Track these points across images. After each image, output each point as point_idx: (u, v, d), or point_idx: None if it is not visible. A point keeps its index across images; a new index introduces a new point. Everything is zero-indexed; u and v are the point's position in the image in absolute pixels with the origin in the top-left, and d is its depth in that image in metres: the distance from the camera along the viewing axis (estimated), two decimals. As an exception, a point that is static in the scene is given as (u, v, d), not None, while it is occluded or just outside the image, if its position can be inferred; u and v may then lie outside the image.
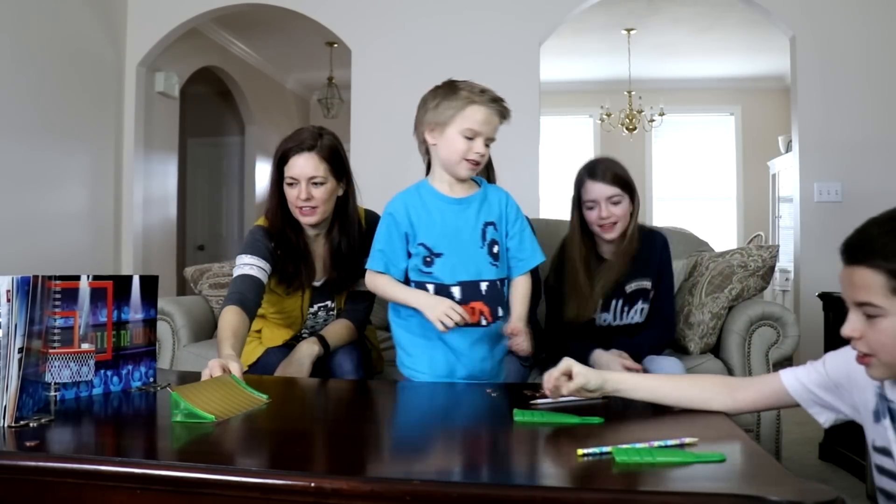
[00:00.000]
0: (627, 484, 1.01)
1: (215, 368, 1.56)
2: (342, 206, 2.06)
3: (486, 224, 1.81)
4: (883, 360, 1.07)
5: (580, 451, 1.09)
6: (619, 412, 1.43)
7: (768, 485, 0.96)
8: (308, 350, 1.97)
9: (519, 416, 1.34)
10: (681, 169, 7.58)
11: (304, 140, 1.95)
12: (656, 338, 2.17)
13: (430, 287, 1.79)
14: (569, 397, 1.43)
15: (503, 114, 1.80)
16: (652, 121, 6.64)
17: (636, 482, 1.00)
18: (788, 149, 5.70)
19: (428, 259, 1.79)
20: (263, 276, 1.97)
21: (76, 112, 4.13)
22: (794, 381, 1.29)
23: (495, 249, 1.82)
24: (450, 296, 1.77)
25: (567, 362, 1.39)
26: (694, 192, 7.57)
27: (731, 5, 4.80)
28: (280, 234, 2.01)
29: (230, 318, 1.84)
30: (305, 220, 1.99)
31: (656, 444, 1.13)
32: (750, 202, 7.36)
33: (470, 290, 1.79)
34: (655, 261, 2.16)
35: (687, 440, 1.15)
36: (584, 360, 2.05)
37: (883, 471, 1.19)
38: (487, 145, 1.78)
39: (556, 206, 6.21)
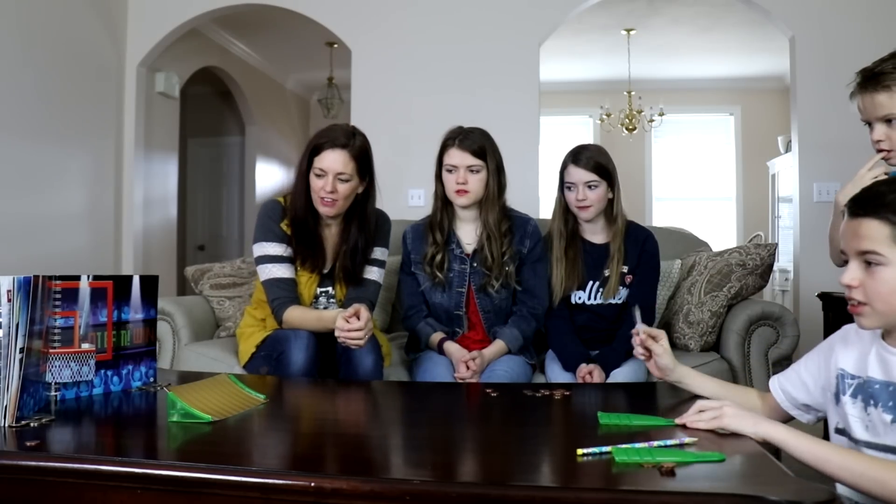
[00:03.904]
0: (627, 484, 1.01)
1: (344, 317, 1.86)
2: (361, 204, 2.17)
3: None
4: (876, 308, 1.15)
5: (580, 451, 1.09)
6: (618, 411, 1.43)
7: (768, 484, 0.96)
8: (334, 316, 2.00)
9: (605, 419, 1.33)
10: (680, 169, 7.57)
11: (338, 137, 2.08)
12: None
13: None
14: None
15: (867, 86, 1.60)
16: (651, 121, 6.64)
17: (636, 482, 1.00)
18: (788, 149, 5.70)
19: None
20: (292, 272, 2.14)
21: (77, 112, 4.13)
22: (779, 391, 1.41)
23: None
24: None
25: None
26: (694, 192, 7.57)
27: (731, 5, 4.79)
28: (299, 219, 2.13)
29: (300, 310, 2.08)
30: (325, 210, 2.10)
31: (656, 443, 1.13)
32: (749, 202, 7.35)
33: None
34: (637, 251, 2.26)
35: (686, 440, 1.15)
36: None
37: None
38: (889, 122, 1.60)
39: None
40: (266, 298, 2.14)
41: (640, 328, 1.56)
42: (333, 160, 2.05)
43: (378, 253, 2.24)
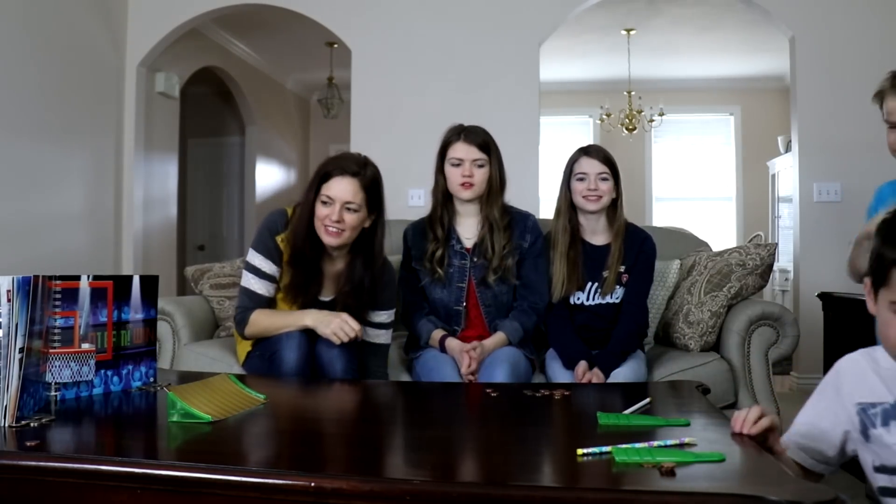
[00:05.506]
0: (627, 484, 1.01)
1: (349, 321, 1.91)
2: (368, 239, 2.06)
3: None
4: None
5: (580, 451, 1.09)
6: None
7: (768, 484, 0.96)
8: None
9: (604, 419, 1.33)
10: (680, 169, 7.56)
11: (348, 165, 2.00)
12: (627, 336, 2.21)
13: None
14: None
15: None
16: (651, 121, 6.63)
17: (636, 482, 1.00)
18: (788, 149, 5.70)
19: None
20: (269, 290, 2.09)
21: (77, 112, 4.13)
22: (800, 452, 1.24)
23: None
24: None
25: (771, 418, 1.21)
26: (694, 192, 7.56)
27: (731, 5, 4.79)
28: (298, 248, 2.03)
29: (266, 312, 2.06)
30: (329, 239, 1.99)
31: (656, 443, 1.13)
32: (749, 202, 7.35)
33: None
34: (634, 251, 2.27)
35: (686, 440, 1.15)
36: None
37: (888, 492, 1.12)
38: None
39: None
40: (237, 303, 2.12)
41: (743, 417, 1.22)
42: (342, 188, 1.96)
43: (384, 316, 2.15)
